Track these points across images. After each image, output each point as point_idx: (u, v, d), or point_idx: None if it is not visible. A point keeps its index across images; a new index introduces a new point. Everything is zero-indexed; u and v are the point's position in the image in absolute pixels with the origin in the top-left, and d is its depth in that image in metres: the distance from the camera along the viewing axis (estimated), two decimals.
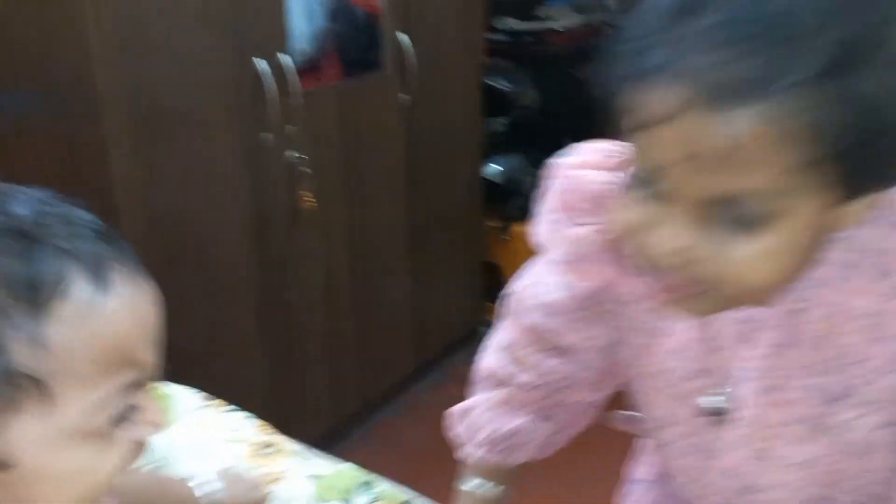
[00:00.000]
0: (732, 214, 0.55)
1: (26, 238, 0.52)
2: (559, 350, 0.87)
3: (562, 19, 2.91)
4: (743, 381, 0.72)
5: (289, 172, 1.92)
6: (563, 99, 2.38)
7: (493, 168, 2.79)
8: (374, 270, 2.28)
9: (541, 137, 2.35)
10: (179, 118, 1.68)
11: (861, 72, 0.51)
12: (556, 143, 0.96)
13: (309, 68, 1.93)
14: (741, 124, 0.50)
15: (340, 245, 2.15)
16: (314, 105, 1.94)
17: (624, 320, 0.81)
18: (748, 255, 0.56)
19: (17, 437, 0.52)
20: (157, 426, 0.60)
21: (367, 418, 2.40)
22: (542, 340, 0.87)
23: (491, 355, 0.94)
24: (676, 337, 0.76)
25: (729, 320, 0.71)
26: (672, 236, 0.57)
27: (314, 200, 1.93)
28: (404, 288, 2.42)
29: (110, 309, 0.54)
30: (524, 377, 0.90)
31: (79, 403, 0.53)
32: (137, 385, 0.57)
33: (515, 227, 2.70)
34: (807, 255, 0.59)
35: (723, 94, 0.50)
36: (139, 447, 0.59)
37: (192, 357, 1.72)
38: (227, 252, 1.86)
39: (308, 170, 1.93)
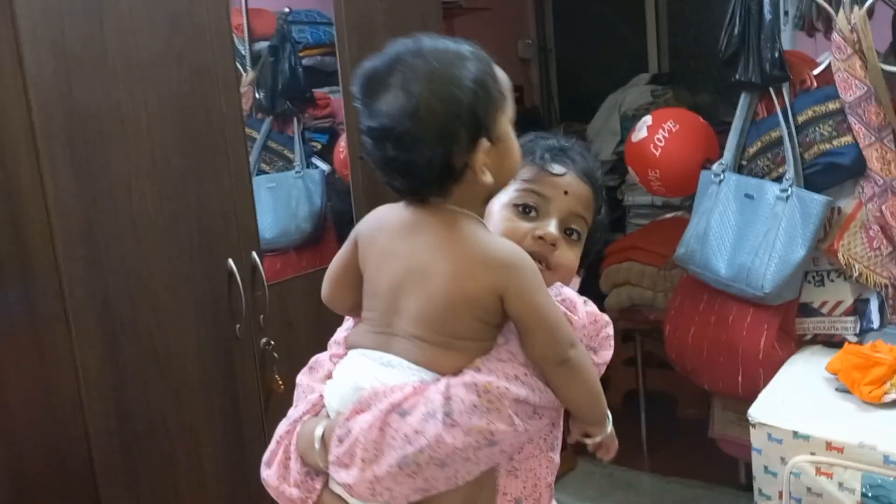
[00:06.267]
0: (571, 230, 1.15)
1: None
2: None
3: None
4: None
5: (260, 358, 2.03)
6: None
7: None
8: None
9: None
10: (151, 318, 1.80)
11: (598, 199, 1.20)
12: None
13: (279, 260, 2.07)
14: (586, 189, 1.17)
15: None
16: (282, 294, 2.08)
17: None
18: (570, 252, 1.15)
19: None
20: None
21: None
22: None
23: None
24: None
25: None
26: (552, 231, 1.13)
27: (282, 384, 2.03)
28: None
29: None
30: None
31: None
32: None
33: None
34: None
35: (584, 177, 1.17)
36: None
37: None
38: (200, 438, 1.93)
39: (276, 355, 2.04)
